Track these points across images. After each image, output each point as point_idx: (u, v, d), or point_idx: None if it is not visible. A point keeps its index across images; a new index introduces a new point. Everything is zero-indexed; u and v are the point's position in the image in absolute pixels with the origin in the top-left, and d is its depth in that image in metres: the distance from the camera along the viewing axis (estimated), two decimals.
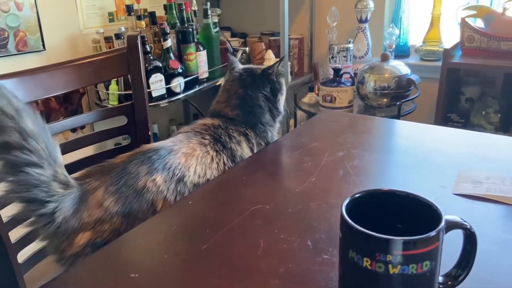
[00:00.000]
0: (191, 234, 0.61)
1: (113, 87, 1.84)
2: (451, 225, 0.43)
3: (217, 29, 2.15)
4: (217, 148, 0.85)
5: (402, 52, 2.17)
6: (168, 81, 1.88)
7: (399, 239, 0.38)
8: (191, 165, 0.80)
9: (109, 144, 1.73)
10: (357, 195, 0.44)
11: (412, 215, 0.44)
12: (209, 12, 2.05)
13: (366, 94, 1.91)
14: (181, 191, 0.77)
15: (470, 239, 0.44)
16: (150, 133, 1.07)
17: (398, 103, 1.82)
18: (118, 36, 1.87)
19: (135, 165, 0.75)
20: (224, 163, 0.84)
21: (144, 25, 1.99)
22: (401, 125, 1.04)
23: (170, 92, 1.90)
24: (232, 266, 0.53)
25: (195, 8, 2.18)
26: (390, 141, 0.92)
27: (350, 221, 0.40)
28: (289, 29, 2.22)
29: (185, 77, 1.95)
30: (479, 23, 1.77)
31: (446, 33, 2.02)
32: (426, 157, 0.82)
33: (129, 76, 1.01)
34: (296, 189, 0.71)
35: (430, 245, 0.39)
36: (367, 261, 0.40)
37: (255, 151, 0.89)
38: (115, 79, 1.82)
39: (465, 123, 1.84)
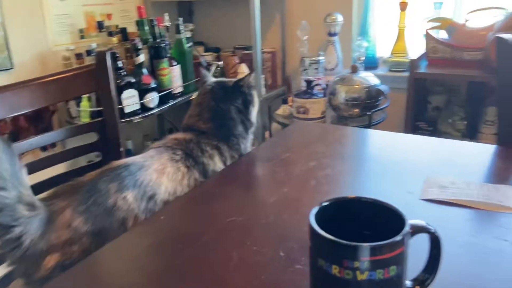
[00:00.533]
0: (164, 250, 0.61)
1: (84, 104, 1.82)
2: (416, 229, 0.44)
3: (190, 44, 2.16)
4: (189, 164, 0.84)
5: (370, 63, 2.23)
6: (141, 96, 1.87)
7: (365, 245, 0.39)
8: (162, 183, 0.79)
9: (82, 162, 1.70)
10: (324, 204, 0.45)
11: (379, 221, 0.45)
12: (182, 27, 2.06)
13: (338, 105, 1.95)
14: (151, 210, 0.76)
15: (435, 243, 0.45)
16: (122, 150, 1.06)
17: (368, 113, 1.86)
18: (89, 52, 1.85)
19: (105, 183, 0.74)
20: (195, 179, 0.84)
21: (116, 41, 1.98)
22: (371, 134, 1.07)
23: (144, 108, 1.89)
24: (205, 280, 0.53)
25: (167, 23, 2.18)
26: (361, 150, 0.94)
27: (318, 229, 0.41)
28: (261, 43, 2.26)
29: (159, 92, 1.94)
30: (442, 35, 1.84)
31: (412, 44, 2.09)
32: (395, 164, 0.84)
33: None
34: (269, 200, 0.72)
35: (395, 249, 0.40)
36: (335, 269, 0.40)
37: (228, 164, 0.90)
38: (87, 95, 1.79)
39: (433, 131, 1.89)
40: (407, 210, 0.65)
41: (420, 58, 1.83)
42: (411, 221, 0.44)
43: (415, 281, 0.46)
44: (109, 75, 0.96)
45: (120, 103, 1.77)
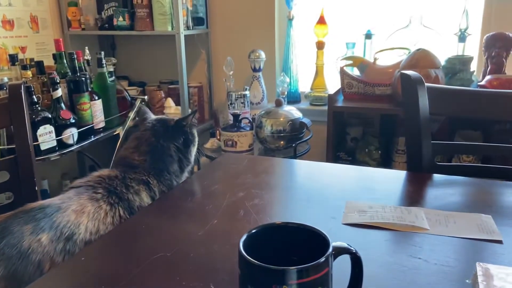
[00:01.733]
0: None
1: None
2: (339, 251, 0.46)
3: (113, 78, 2.11)
4: (111, 201, 0.81)
5: (293, 98, 2.34)
6: (59, 132, 1.77)
7: (292, 268, 0.40)
8: (81, 222, 0.75)
9: None
10: (253, 231, 0.46)
11: (305, 245, 0.47)
12: (104, 61, 2.01)
13: (265, 137, 2.01)
14: (70, 250, 0.71)
15: (356, 263, 0.48)
16: (37, 189, 0.98)
17: (293, 144, 1.94)
18: (0, 86, 1.72)
19: (18, 225, 0.68)
20: (120, 216, 0.81)
21: (31, 75, 1.87)
22: (296, 164, 1.11)
23: (61, 144, 1.79)
24: None
25: (88, 57, 2.12)
26: (287, 179, 0.98)
27: (246, 255, 0.42)
28: (188, 77, 2.28)
29: (78, 128, 1.85)
30: (356, 71, 2.00)
31: (330, 80, 2.24)
32: (318, 191, 0.88)
33: (12, 128, 0.93)
34: (198, 233, 0.71)
35: (320, 271, 0.41)
36: None
37: (156, 197, 0.88)
38: None
39: (352, 160, 2.02)
40: (331, 234, 0.68)
41: (337, 93, 1.96)
42: (334, 243, 0.46)
43: None
44: (24, 109, 0.91)
45: (35, 139, 1.66)
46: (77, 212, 0.76)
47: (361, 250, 0.63)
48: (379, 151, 1.98)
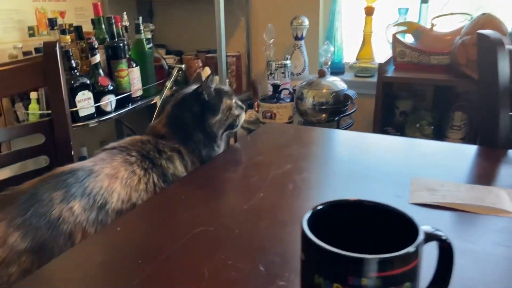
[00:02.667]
0: (120, 268, 0.51)
1: (33, 106, 1.66)
2: (428, 237, 0.37)
3: (151, 45, 2.05)
4: (145, 166, 0.75)
5: (337, 69, 2.21)
6: (97, 99, 1.73)
7: (374, 257, 0.31)
8: (114, 190, 0.69)
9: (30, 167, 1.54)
10: (319, 207, 0.37)
11: (383, 229, 0.38)
12: (142, 27, 1.95)
13: (305, 110, 1.90)
14: (102, 221, 0.66)
15: (446, 252, 0.38)
16: (73, 155, 0.94)
17: (336, 118, 1.82)
18: (38, 50, 1.70)
19: (48, 191, 0.63)
20: (154, 183, 0.74)
21: (70, 40, 1.84)
22: (345, 135, 1.01)
23: (100, 111, 1.75)
24: None
25: (126, 23, 2.06)
26: (338, 151, 0.88)
27: (315, 239, 0.33)
28: (226, 46, 2.18)
29: (116, 95, 1.81)
30: (409, 39, 1.84)
31: (378, 50, 2.08)
32: (377, 166, 0.78)
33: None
34: (243, 206, 0.63)
35: (409, 263, 0.33)
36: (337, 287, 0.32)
37: (189, 169, 0.80)
38: (36, 97, 1.64)
39: (401, 136, 1.88)
40: None
41: (387, 62, 1.81)
42: (426, 227, 0.37)
43: None
44: (59, 69, 0.85)
45: (73, 105, 1.63)
46: (110, 177, 0.70)
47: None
48: (432, 127, 1.83)
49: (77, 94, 1.63)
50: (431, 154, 0.84)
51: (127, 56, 1.89)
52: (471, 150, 0.85)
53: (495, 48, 0.78)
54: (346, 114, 1.92)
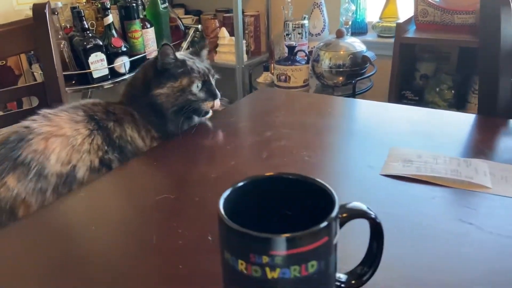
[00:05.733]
0: (73, 234, 0.52)
1: None
2: (352, 214, 0.36)
3: (166, 4, 2.02)
4: (90, 127, 0.71)
5: (359, 29, 2.10)
6: (111, 61, 1.75)
7: (273, 236, 0.30)
8: (52, 151, 0.66)
9: None
10: (239, 185, 0.36)
11: (307, 203, 0.37)
12: None
13: (322, 72, 1.84)
14: (42, 188, 0.64)
15: (376, 231, 0.37)
16: None
17: (353, 81, 1.76)
18: (53, 11, 1.72)
19: None
20: (98, 146, 0.70)
21: (84, 0, 1.84)
22: (342, 102, 0.97)
23: (114, 73, 1.78)
24: (112, 270, 0.45)
25: None
26: (326, 119, 0.85)
27: (223, 215, 0.33)
28: (244, 5, 2.12)
29: (130, 56, 1.82)
30: None
31: (404, 9, 1.96)
32: (358, 134, 0.75)
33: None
34: (211, 175, 0.63)
35: (316, 241, 0.31)
36: (242, 264, 0.32)
37: (145, 137, 0.76)
38: None
39: (419, 100, 1.80)
40: (363, 187, 0.57)
41: (407, 22, 1.71)
42: (351, 204, 0.36)
43: (351, 275, 0.38)
44: (48, 31, 0.85)
45: (87, 67, 1.66)
46: (47, 137, 0.66)
47: (398, 209, 0.52)
48: (453, 91, 1.74)
49: (90, 55, 1.66)
50: (422, 122, 0.79)
51: (141, 16, 1.88)
52: (469, 119, 0.80)
53: (498, 9, 0.71)
54: (363, 77, 1.85)
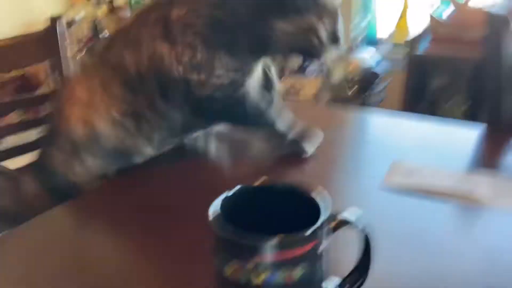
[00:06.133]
0: (71, 242, 0.54)
1: None
2: (340, 223, 0.36)
3: None
4: None
5: (370, 42, 2.11)
6: None
7: (256, 242, 0.31)
8: None
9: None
10: (229, 194, 0.37)
11: (300, 212, 0.37)
12: None
13: (332, 85, 1.86)
14: None
15: (363, 242, 0.37)
16: None
17: (364, 94, 1.77)
18: (71, 23, 1.77)
19: None
20: None
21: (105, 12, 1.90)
22: (347, 113, 0.98)
23: None
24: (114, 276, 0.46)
25: None
26: (330, 130, 0.85)
27: (211, 221, 0.34)
28: None
29: None
30: (446, 13, 1.71)
31: (415, 24, 1.96)
32: (362, 146, 0.75)
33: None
34: (216, 181, 0.64)
35: (300, 248, 0.32)
36: (228, 270, 0.33)
37: None
38: None
39: (432, 114, 1.78)
40: (363, 199, 0.57)
41: (419, 37, 1.71)
42: (342, 212, 0.36)
43: (339, 285, 0.39)
44: (58, 43, 0.88)
45: None
46: None
47: (397, 221, 0.52)
48: (465, 105, 1.72)
49: None
50: (427, 135, 0.78)
51: None
52: (475, 132, 0.79)
53: (500, 28, 0.71)
54: (374, 90, 1.86)
